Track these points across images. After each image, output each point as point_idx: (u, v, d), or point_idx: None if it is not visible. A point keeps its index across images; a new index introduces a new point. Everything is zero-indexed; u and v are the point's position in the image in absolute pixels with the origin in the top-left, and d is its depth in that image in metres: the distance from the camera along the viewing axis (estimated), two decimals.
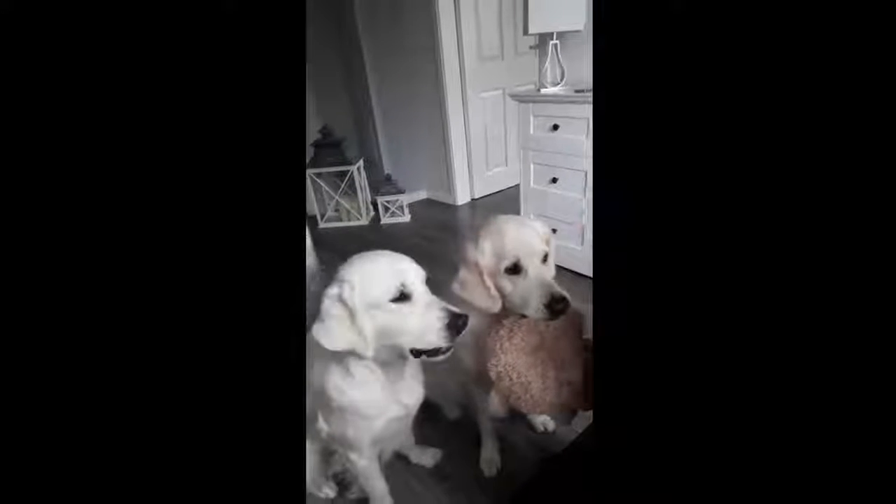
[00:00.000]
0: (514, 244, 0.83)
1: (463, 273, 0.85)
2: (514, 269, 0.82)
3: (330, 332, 0.71)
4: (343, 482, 1.09)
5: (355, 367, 0.78)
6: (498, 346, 0.78)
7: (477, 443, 1.16)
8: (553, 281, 0.82)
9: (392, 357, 0.77)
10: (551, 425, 1.24)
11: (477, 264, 0.84)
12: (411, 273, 0.74)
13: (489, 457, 1.14)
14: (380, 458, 0.99)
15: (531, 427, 1.25)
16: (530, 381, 0.76)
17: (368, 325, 0.71)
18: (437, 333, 0.71)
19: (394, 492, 1.01)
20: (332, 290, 0.72)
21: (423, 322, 0.71)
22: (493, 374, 0.79)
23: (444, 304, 0.73)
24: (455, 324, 0.71)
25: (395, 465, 1.14)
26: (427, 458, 1.17)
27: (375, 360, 0.76)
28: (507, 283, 0.83)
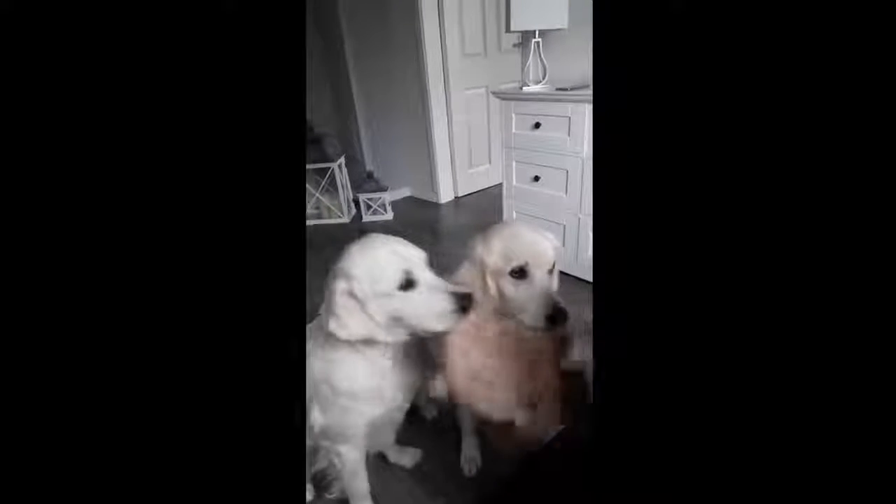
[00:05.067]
0: (525, 248, 0.82)
1: (463, 271, 0.85)
2: (521, 274, 0.82)
3: (345, 325, 0.73)
4: (322, 483, 1.07)
5: (368, 351, 0.79)
6: (469, 342, 0.78)
7: (457, 442, 1.15)
8: (555, 293, 0.81)
9: (403, 336, 0.79)
10: None
11: (482, 261, 0.83)
12: (414, 258, 0.75)
13: (470, 455, 1.13)
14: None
15: None
16: (494, 384, 0.76)
17: (379, 312, 0.74)
18: (444, 318, 0.73)
19: (373, 493, 1.00)
20: (340, 285, 0.73)
21: (431, 307, 0.73)
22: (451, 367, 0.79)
23: (448, 285, 0.75)
24: (461, 305, 0.73)
25: (374, 465, 1.12)
26: (406, 458, 1.16)
27: (388, 343, 0.78)
28: (510, 287, 0.82)
